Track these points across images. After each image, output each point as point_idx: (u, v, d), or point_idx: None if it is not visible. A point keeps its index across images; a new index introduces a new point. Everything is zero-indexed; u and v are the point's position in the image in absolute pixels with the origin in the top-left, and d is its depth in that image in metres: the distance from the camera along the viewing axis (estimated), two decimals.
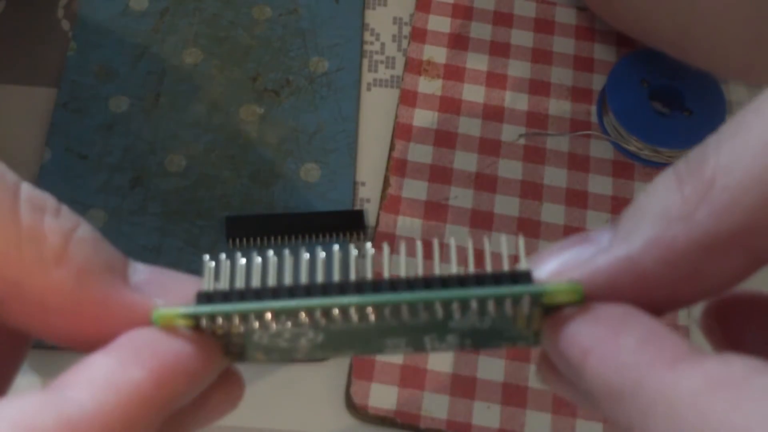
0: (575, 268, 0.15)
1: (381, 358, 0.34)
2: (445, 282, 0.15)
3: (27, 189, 0.15)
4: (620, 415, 0.13)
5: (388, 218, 0.37)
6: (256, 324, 0.15)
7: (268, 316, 0.15)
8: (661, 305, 0.14)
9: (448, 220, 0.37)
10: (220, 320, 0.15)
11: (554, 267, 0.15)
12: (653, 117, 0.39)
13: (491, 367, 0.34)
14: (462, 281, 0.15)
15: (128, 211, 0.37)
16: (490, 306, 0.15)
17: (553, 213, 0.38)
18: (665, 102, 0.40)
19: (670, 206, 0.14)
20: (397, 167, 0.38)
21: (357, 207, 0.38)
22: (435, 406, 0.33)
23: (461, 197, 0.38)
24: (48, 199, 0.15)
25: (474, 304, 0.15)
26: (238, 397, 0.17)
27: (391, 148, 0.39)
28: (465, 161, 0.39)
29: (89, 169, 0.37)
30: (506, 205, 0.38)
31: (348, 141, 0.39)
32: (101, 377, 0.13)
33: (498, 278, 0.15)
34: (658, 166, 0.39)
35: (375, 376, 0.34)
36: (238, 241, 0.36)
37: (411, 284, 0.15)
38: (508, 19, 0.43)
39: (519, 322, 0.15)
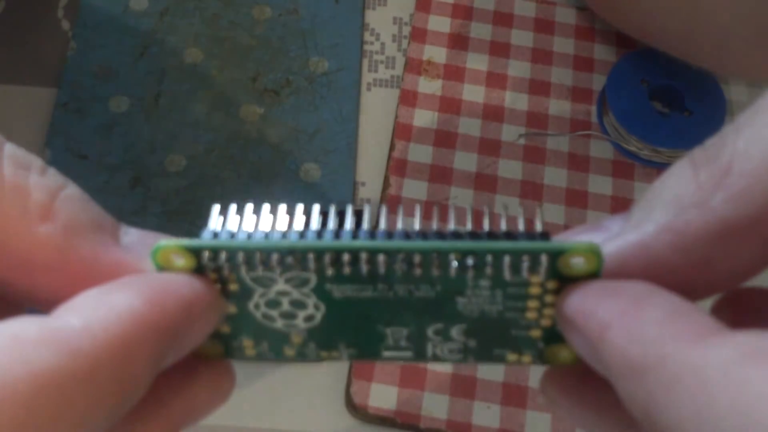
0: None
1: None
2: (458, 235, 0.14)
3: (11, 147, 0.14)
4: (641, 391, 0.12)
5: (388, 218, 0.37)
6: (260, 270, 0.14)
7: (274, 257, 0.14)
8: None
9: (449, 221, 0.37)
10: (223, 257, 0.14)
11: None
12: (653, 117, 0.39)
13: (491, 367, 0.34)
14: (475, 236, 0.14)
15: (128, 211, 0.37)
16: (506, 264, 0.14)
17: (553, 213, 0.38)
18: (665, 102, 0.40)
19: (685, 192, 0.13)
20: (397, 167, 0.38)
21: (357, 207, 0.38)
22: (435, 406, 0.33)
23: (461, 197, 0.38)
24: (34, 159, 0.15)
25: (489, 258, 0.14)
26: (228, 389, 0.16)
27: (391, 148, 0.39)
28: (465, 161, 0.39)
29: (89, 169, 0.37)
30: (506, 205, 0.38)
31: (348, 141, 0.39)
32: (91, 300, 0.13)
33: (513, 236, 0.14)
34: (658, 166, 0.39)
35: (375, 376, 0.34)
36: None
37: (425, 235, 0.14)
38: (508, 19, 0.43)
39: (531, 305, 0.15)
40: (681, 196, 0.13)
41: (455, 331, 0.15)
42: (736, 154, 0.13)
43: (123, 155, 0.38)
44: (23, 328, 0.12)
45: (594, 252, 0.14)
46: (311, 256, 0.14)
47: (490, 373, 0.34)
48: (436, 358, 0.16)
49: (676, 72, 0.40)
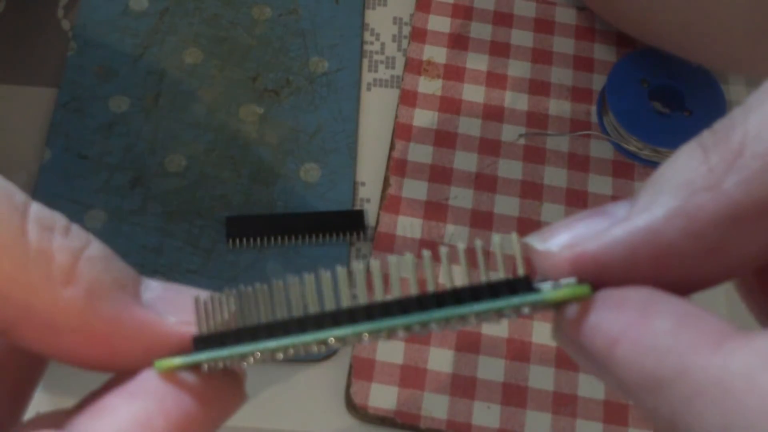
0: (589, 240, 0.13)
1: (381, 358, 0.34)
2: (440, 300, 0.14)
3: (36, 209, 0.15)
4: (661, 405, 0.11)
5: (388, 218, 0.37)
6: (254, 359, 0.15)
7: (267, 352, 0.15)
8: (681, 285, 0.13)
9: (448, 220, 0.37)
10: (221, 364, 0.15)
11: (565, 240, 0.14)
12: (653, 117, 0.39)
13: (491, 367, 0.34)
14: (457, 297, 0.14)
15: (128, 211, 0.37)
16: (491, 317, 0.14)
17: (553, 213, 0.38)
18: (665, 102, 0.40)
19: (695, 176, 0.13)
20: (397, 167, 0.38)
21: (357, 207, 0.38)
22: (435, 406, 0.33)
23: (461, 197, 0.38)
24: (58, 219, 0.15)
25: (473, 320, 0.14)
26: (239, 398, 0.17)
27: (391, 148, 0.39)
28: (465, 161, 0.39)
29: (89, 169, 0.37)
30: (506, 205, 0.38)
31: (348, 141, 0.39)
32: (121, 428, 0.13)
33: (495, 289, 0.14)
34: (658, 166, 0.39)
35: (375, 376, 0.34)
36: (238, 241, 0.36)
37: (404, 306, 0.14)
38: (508, 19, 0.43)
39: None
40: (691, 180, 0.13)
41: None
42: (747, 135, 0.12)
43: (123, 155, 0.38)
44: None
45: (580, 293, 0.13)
46: (300, 347, 0.15)
47: (490, 373, 0.34)
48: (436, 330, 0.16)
49: (676, 72, 0.40)
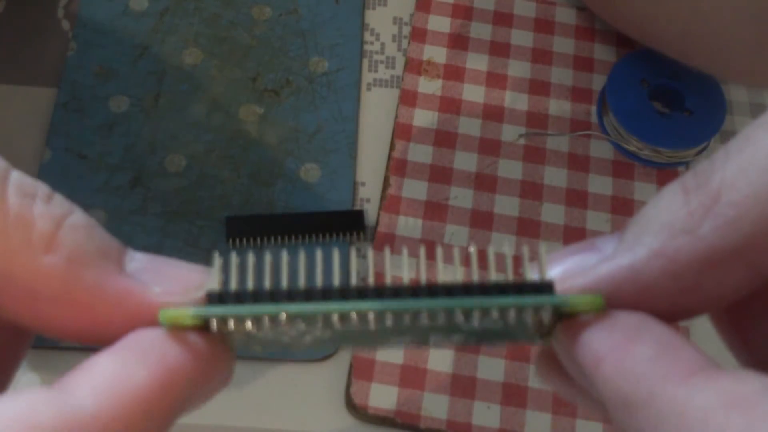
0: (578, 275, 0.15)
1: (381, 358, 0.34)
2: (467, 289, 0.15)
3: (17, 175, 0.14)
4: (631, 424, 0.13)
5: (388, 218, 0.37)
6: (269, 326, 0.15)
7: (283, 318, 0.15)
8: (663, 316, 0.14)
9: (448, 220, 0.37)
10: (231, 323, 0.15)
11: (558, 273, 0.15)
12: (653, 117, 0.39)
13: (491, 367, 0.34)
14: (484, 289, 0.15)
15: (128, 211, 0.37)
16: (511, 314, 0.15)
17: (553, 213, 0.38)
18: (665, 102, 0.40)
19: (676, 218, 0.14)
20: (397, 167, 0.38)
21: (357, 207, 0.38)
22: (435, 406, 0.33)
23: (461, 197, 0.38)
24: (40, 187, 0.15)
25: (495, 313, 0.14)
26: (226, 374, 0.16)
27: (391, 148, 0.39)
28: (465, 161, 0.39)
29: (89, 169, 0.37)
30: (506, 205, 0.38)
31: (348, 141, 0.39)
32: (104, 379, 0.13)
33: (521, 288, 0.15)
34: (658, 166, 0.39)
35: (375, 376, 0.34)
36: (238, 241, 0.36)
37: (432, 291, 0.15)
38: (508, 19, 0.43)
39: (533, 327, 0.15)
40: (672, 222, 0.14)
41: (457, 337, 0.16)
42: (724, 182, 0.13)
43: (123, 155, 0.38)
44: (36, 410, 0.12)
45: (596, 304, 0.14)
46: (319, 317, 0.15)
47: (490, 373, 0.34)
48: (436, 347, 0.17)
49: (676, 72, 0.40)
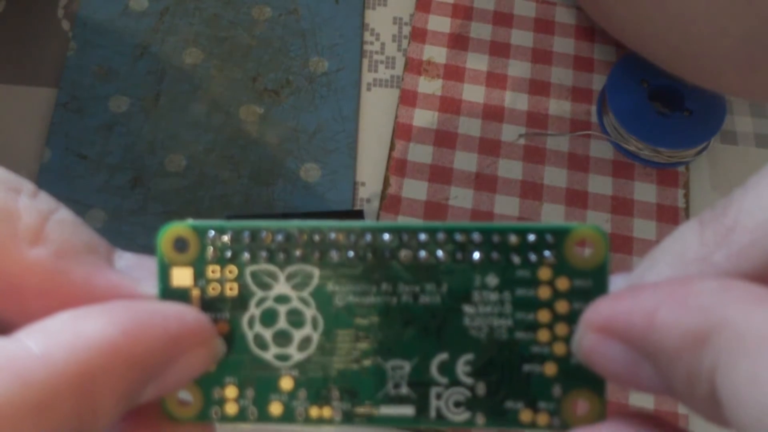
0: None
1: None
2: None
3: (1, 171, 0.14)
4: (703, 360, 0.12)
5: (388, 218, 0.37)
6: (263, 261, 0.15)
7: (280, 238, 0.15)
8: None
9: (448, 220, 0.37)
10: (226, 237, 0.15)
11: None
12: (653, 117, 0.39)
13: None
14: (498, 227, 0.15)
15: (128, 211, 0.37)
16: (512, 242, 0.15)
17: (553, 213, 0.38)
18: (665, 102, 0.40)
19: (689, 248, 0.14)
20: (397, 167, 0.38)
21: (357, 207, 0.38)
22: None
23: (461, 197, 0.38)
24: (25, 183, 0.14)
25: (513, 238, 0.15)
26: (210, 347, 0.15)
27: (391, 148, 0.39)
28: (465, 161, 0.39)
29: (89, 169, 0.37)
30: (506, 205, 0.38)
31: (348, 141, 0.39)
32: (59, 324, 0.13)
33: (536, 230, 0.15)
34: (658, 166, 0.39)
35: None
36: None
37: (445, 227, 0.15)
38: (508, 19, 0.43)
39: (543, 319, 0.15)
40: (684, 252, 0.14)
41: (461, 368, 0.15)
42: (741, 213, 0.13)
43: (123, 155, 0.38)
44: None
45: (599, 232, 0.15)
46: (317, 236, 0.15)
47: None
48: (440, 417, 0.15)
49: None
